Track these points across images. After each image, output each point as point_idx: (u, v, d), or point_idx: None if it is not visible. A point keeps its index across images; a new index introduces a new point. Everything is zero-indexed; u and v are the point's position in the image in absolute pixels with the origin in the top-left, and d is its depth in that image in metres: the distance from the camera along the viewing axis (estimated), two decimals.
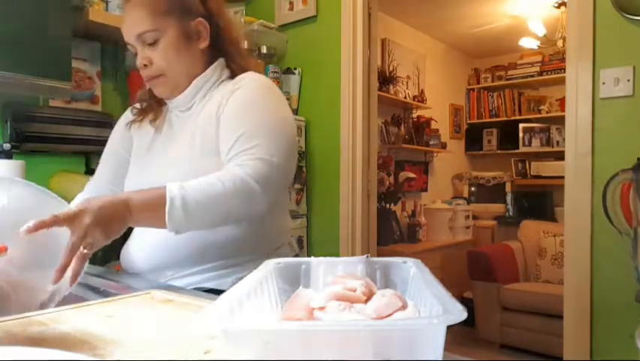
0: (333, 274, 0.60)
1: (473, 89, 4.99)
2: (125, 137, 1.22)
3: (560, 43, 3.69)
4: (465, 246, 3.89)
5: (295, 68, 2.56)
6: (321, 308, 0.47)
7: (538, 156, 4.57)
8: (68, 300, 0.74)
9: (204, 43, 1.09)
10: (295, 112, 2.55)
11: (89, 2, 1.85)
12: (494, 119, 4.84)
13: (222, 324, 0.40)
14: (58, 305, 0.72)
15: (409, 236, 3.89)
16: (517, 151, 4.61)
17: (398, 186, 3.83)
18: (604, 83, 1.70)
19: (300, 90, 2.58)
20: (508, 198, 4.58)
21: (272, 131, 1.00)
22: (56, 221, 0.73)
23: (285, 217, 1.19)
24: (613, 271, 1.68)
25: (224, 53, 1.13)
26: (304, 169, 2.49)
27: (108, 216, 0.80)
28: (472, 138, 4.97)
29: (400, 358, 0.39)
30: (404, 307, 0.48)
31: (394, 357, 0.39)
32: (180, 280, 1.03)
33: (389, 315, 0.46)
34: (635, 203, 1.53)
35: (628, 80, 1.66)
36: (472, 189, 4.78)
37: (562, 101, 4.14)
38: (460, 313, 0.38)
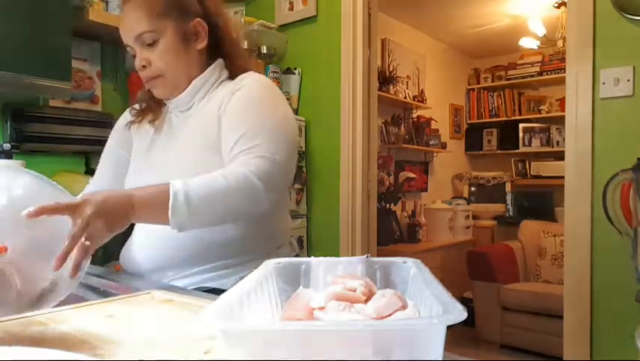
0: (333, 274, 0.60)
1: (473, 89, 4.99)
2: (125, 137, 1.22)
3: (560, 43, 3.69)
4: (465, 246, 3.90)
5: (295, 68, 2.56)
6: (321, 308, 0.47)
7: (538, 156, 4.57)
8: (68, 300, 0.74)
9: (203, 44, 1.09)
10: (295, 112, 2.55)
11: (89, 2, 1.85)
12: (494, 119, 4.84)
13: (222, 324, 0.40)
14: (58, 305, 0.72)
15: (409, 236, 3.89)
16: (517, 151, 4.62)
17: (398, 186, 3.83)
18: (604, 83, 1.70)
19: (300, 90, 2.58)
20: (508, 198, 4.59)
21: (274, 130, 1.01)
22: (58, 208, 0.72)
23: (285, 217, 1.19)
24: (613, 271, 1.68)
25: (222, 53, 1.13)
26: (304, 169, 2.49)
27: (111, 208, 0.79)
28: (472, 138, 4.98)
29: (400, 358, 0.39)
30: (404, 307, 0.48)
31: (394, 357, 0.39)
32: (182, 280, 1.03)
33: (389, 315, 0.46)
34: (635, 203, 1.53)
35: (628, 80, 1.66)
36: (472, 189, 4.78)
37: (562, 101, 4.14)
38: (460, 313, 0.38)
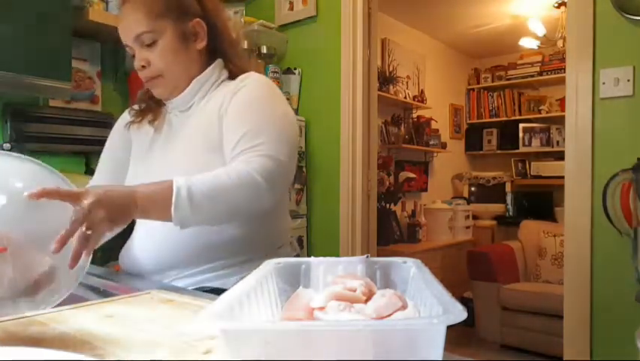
0: (333, 274, 0.60)
1: (473, 89, 4.99)
2: (124, 138, 1.22)
3: (560, 43, 3.69)
4: (465, 246, 3.90)
5: (295, 68, 2.56)
6: (321, 308, 0.47)
7: (538, 156, 4.57)
8: (68, 300, 0.74)
9: (202, 44, 1.09)
10: (295, 112, 2.55)
11: (89, 2, 1.85)
12: (494, 119, 4.84)
13: (222, 324, 0.40)
14: (58, 305, 0.71)
15: (409, 236, 3.89)
16: (517, 151, 4.62)
17: (398, 186, 3.83)
18: (604, 83, 1.70)
19: (300, 90, 2.58)
20: (508, 198, 4.59)
21: (276, 129, 1.01)
22: (60, 193, 0.72)
23: (285, 217, 1.19)
24: (613, 271, 1.68)
25: (222, 53, 1.13)
26: (304, 169, 2.49)
27: (113, 200, 0.79)
28: (472, 138, 4.98)
29: (399, 358, 0.39)
30: (404, 307, 0.48)
31: (394, 357, 0.39)
32: (182, 281, 1.03)
33: (389, 315, 0.46)
34: (635, 203, 1.54)
35: (628, 80, 1.66)
36: (472, 189, 4.78)
37: (562, 101, 4.14)
38: (460, 313, 0.38)
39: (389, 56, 3.94)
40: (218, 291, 0.96)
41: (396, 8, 3.74)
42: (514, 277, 3.29)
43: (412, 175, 3.99)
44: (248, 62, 1.20)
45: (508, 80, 4.73)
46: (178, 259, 1.03)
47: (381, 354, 0.39)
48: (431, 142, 4.29)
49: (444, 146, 4.48)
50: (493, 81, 4.86)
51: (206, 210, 0.90)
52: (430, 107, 4.30)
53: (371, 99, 2.44)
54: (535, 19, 3.71)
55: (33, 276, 0.69)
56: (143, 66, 1.06)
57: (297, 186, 2.43)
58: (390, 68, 3.91)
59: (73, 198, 0.74)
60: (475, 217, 4.43)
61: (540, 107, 4.59)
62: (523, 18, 3.86)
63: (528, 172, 4.62)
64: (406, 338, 0.39)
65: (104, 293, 0.87)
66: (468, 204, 4.43)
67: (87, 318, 0.65)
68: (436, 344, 0.39)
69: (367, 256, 0.62)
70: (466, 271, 3.35)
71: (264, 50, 2.50)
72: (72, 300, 0.74)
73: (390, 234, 3.71)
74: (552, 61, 4.42)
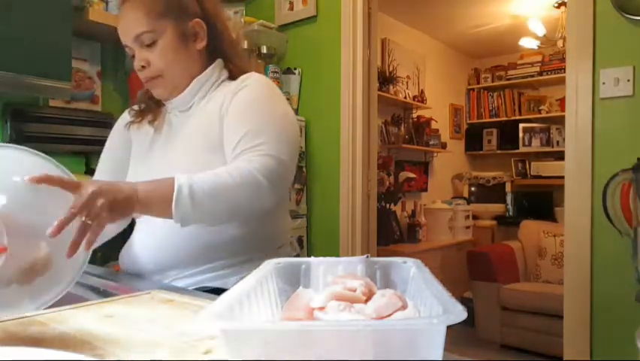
0: (333, 274, 0.60)
1: (473, 89, 4.99)
2: (125, 138, 1.22)
3: (560, 43, 3.69)
4: (465, 246, 3.90)
5: (295, 68, 2.56)
6: (321, 308, 0.47)
7: (538, 156, 4.57)
8: (68, 300, 0.74)
9: (202, 44, 1.09)
10: (295, 112, 2.55)
11: (89, 2, 1.85)
12: (494, 119, 4.84)
13: (222, 324, 0.40)
14: (58, 305, 0.71)
15: (409, 236, 3.89)
16: (517, 151, 4.61)
17: (398, 186, 3.83)
18: (604, 83, 1.70)
19: (300, 90, 2.58)
20: (508, 198, 4.59)
21: (277, 129, 1.01)
22: (61, 180, 0.72)
23: (285, 217, 1.20)
24: (613, 271, 1.68)
25: (222, 53, 1.13)
26: (304, 169, 2.49)
27: (114, 192, 0.79)
28: (472, 138, 4.97)
29: (399, 358, 0.39)
30: (404, 307, 0.48)
31: (394, 357, 0.39)
32: (183, 280, 1.03)
33: (389, 315, 0.46)
34: (635, 203, 1.54)
35: (628, 80, 1.66)
36: (472, 189, 4.78)
37: (562, 101, 4.14)
38: (460, 313, 0.38)
39: (389, 56, 3.94)
40: (218, 291, 0.96)
41: (397, 8, 3.74)
42: (514, 277, 3.29)
43: (412, 175, 3.99)
44: (248, 62, 1.20)
45: (508, 80, 4.73)
46: (178, 259, 1.03)
47: (381, 354, 0.39)
48: (431, 142, 4.29)
49: (444, 146, 4.48)
50: (493, 81, 4.86)
51: (207, 208, 0.90)
52: (430, 107, 4.30)
53: (371, 99, 2.44)
54: (535, 19, 3.71)
55: (28, 259, 0.69)
56: (143, 66, 1.06)
57: (297, 186, 2.43)
58: (390, 68, 3.91)
59: (74, 186, 0.74)
60: (475, 217, 4.43)
61: (540, 107, 4.59)
62: (523, 18, 3.86)
63: (528, 172, 4.62)
64: (406, 338, 0.39)
65: (104, 293, 0.87)
66: (468, 204, 4.43)
67: (87, 318, 0.65)
68: (436, 344, 0.39)
69: (367, 256, 0.62)
70: (466, 271, 3.35)
71: (264, 50, 2.50)
72: (72, 300, 0.75)
73: (390, 234, 3.71)
74: (552, 61, 4.42)
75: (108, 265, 1.47)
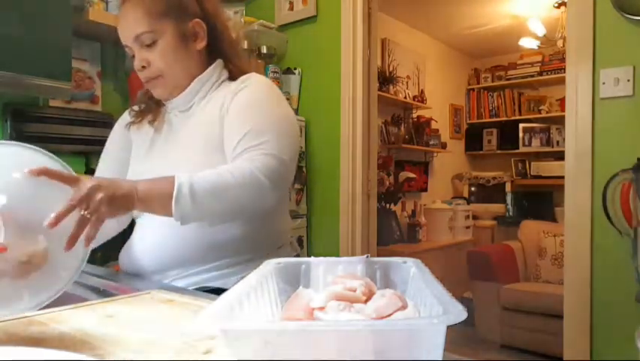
0: (333, 274, 0.60)
1: (473, 89, 4.99)
2: (125, 138, 1.22)
3: (559, 43, 3.69)
4: (465, 246, 3.90)
5: (295, 68, 2.56)
6: (321, 308, 0.47)
7: (538, 156, 4.57)
8: (68, 300, 0.74)
9: (202, 44, 1.09)
10: (295, 112, 2.55)
11: (89, 2, 1.85)
12: (494, 119, 4.84)
13: (222, 324, 0.40)
14: (58, 305, 0.71)
15: (409, 236, 3.89)
16: (517, 151, 4.61)
17: (398, 186, 3.83)
18: (604, 83, 1.70)
19: (300, 90, 2.58)
20: (508, 198, 4.58)
21: (278, 129, 1.01)
22: (60, 174, 0.72)
23: (285, 217, 1.20)
24: (613, 271, 1.68)
25: (222, 53, 1.13)
26: (304, 169, 2.49)
27: (114, 187, 0.79)
28: (472, 138, 4.98)
29: (400, 358, 0.39)
30: (404, 307, 0.48)
31: (394, 357, 0.39)
32: (183, 280, 1.03)
33: (389, 315, 0.46)
34: (635, 203, 1.54)
35: (628, 80, 1.66)
36: (472, 189, 4.78)
37: (562, 101, 4.14)
38: (460, 313, 0.38)
39: (389, 56, 3.94)
40: (218, 291, 0.96)
41: (397, 8, 3.74)
42: (514, 277, 3.29)
43: (412, 175, 3.99)
44: (248, 63, 1.20)
45: (508, 80, 4.73)
46: (178, 260, 1.03)
47: (381, 354, 0.39)
48: (431, 142, 4.29)
49: (444, 146, 4.48)
50: (493, 81, 4.86)
51: (208, 207, 0.90)
52: (430, 107, 4.30)
53: (371, 99, 2.43)
54: (535, 19, 3.71)
55: (24, 252, 0.69)
56: (143, 67, 1.06)
57: (297, 186, 2.43)
58: (390, 68, 3.91)
59: (73, 180, 0.74)
60: (475, 217, 4.43)
61: (540, 107, 4.59)
62: (523, 18, 3.86)
63: (528, 172, 4.62)
64: (406, 338, 0.39)
65: (104, 293, 0.87)
66: (468, 204, 4.43)
67: (87, 318, 0.65)
68: (436, 344, 0.39)
69: (367, 256, 0.62)
70: (466, 271, 3.34)
71: (264, 50, 2.50)
72: (72, 300, 0.75)
73: (390, 234, 3.71)
74: (552, 61, 4.42)
75: (108, 265, 1.47)
